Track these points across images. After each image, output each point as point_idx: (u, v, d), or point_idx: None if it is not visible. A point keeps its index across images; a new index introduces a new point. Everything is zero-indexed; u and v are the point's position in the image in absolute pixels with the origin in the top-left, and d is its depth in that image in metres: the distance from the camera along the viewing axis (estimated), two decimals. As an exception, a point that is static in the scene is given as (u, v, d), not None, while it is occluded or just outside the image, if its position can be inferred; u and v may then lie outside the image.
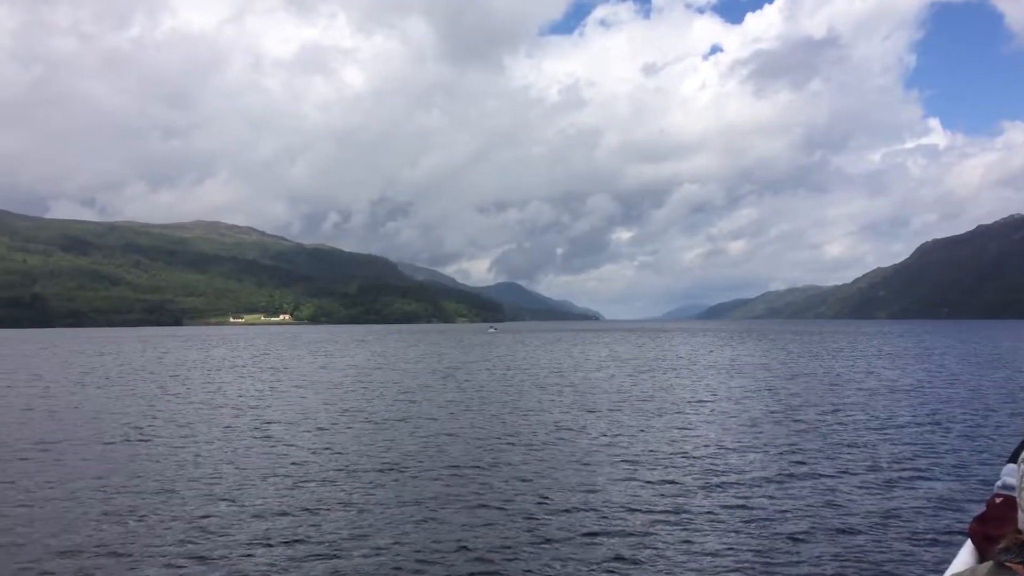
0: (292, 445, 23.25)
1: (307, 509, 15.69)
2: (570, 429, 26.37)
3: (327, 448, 22.68)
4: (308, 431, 26.24)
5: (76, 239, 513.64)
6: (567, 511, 15.52)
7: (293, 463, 20.43)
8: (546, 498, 16.55)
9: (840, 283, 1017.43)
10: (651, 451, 22.16)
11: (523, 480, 18.32)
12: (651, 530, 14.25)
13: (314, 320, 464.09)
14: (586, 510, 15.60)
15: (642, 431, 26.06)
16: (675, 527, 14.45)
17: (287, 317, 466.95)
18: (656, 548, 13.26)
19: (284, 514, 15.31)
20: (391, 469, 19.59)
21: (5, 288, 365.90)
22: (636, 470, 19.49)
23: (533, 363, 65.60)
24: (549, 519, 14.95)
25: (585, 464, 20.30)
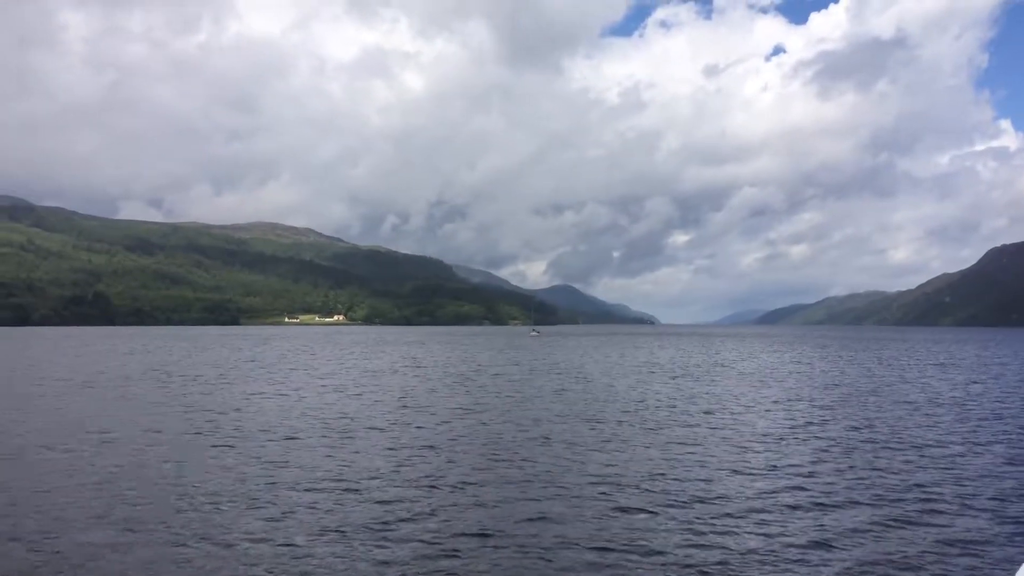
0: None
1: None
2: (551, 440, 24.38)
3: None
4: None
5: (140, 239, 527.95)
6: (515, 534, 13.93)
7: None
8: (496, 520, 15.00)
9: (904, 289, 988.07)
10: (638, 469, 20.02)
11: (479, 504, 16.70)
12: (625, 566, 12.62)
13: (368, 321, 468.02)
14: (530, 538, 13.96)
15: (638, 445, 23.89)
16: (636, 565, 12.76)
17: (341, 318, 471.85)
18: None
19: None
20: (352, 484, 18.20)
21: (70, 286, 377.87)
22: (610, 492, 17.50)
23: (558, 368, 63.69)
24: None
25: (552, 484, 18.35)
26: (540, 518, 15.48)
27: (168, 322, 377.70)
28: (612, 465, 20.78)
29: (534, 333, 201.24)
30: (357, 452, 22.50)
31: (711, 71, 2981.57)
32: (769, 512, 16.05)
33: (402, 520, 15.27)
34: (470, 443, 24.28)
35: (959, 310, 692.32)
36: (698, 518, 15.53)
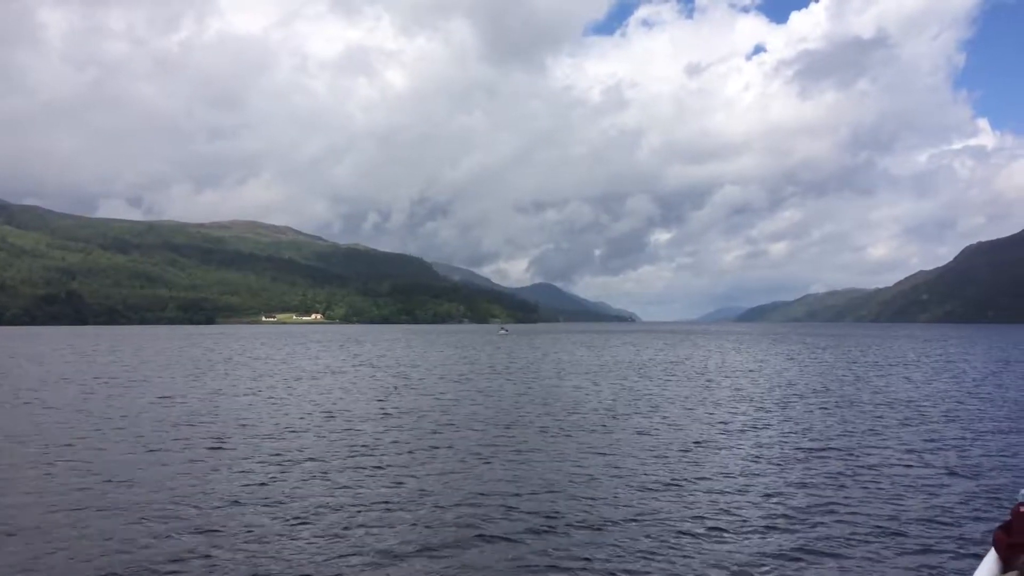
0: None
1: None
2: (452, 449, 22.11)
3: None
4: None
5: (116, 238, 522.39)
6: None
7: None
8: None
9: (883, 286, 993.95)
10: (533, 483, 17.84)
11: (307, 532, 14.65)
12: None
13: (346, 320, 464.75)
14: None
15: (545, 456, 21.64)
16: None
17: (319, 316, 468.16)
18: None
19: None
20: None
21: (43, 285, 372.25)
22: (486, 515, 15.34)
23: (508, 367, 61.59)
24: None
25: (423, 506, 16.11)
26: (376, 553, 13.33)
27: (142, 321, 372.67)
28: (501, 480, 18.56)
29: (503, 331, 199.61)
30: (225, 465, 20.36)
31: (693, 70, 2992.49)
32: (659, 538, 14.01)
33: (193, 553, 12.96)
34: (357, 455, 21.88)
35: (936, 307, 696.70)
36: (574, 548, 13.42)
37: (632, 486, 18.08)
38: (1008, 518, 2.90)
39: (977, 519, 15.03)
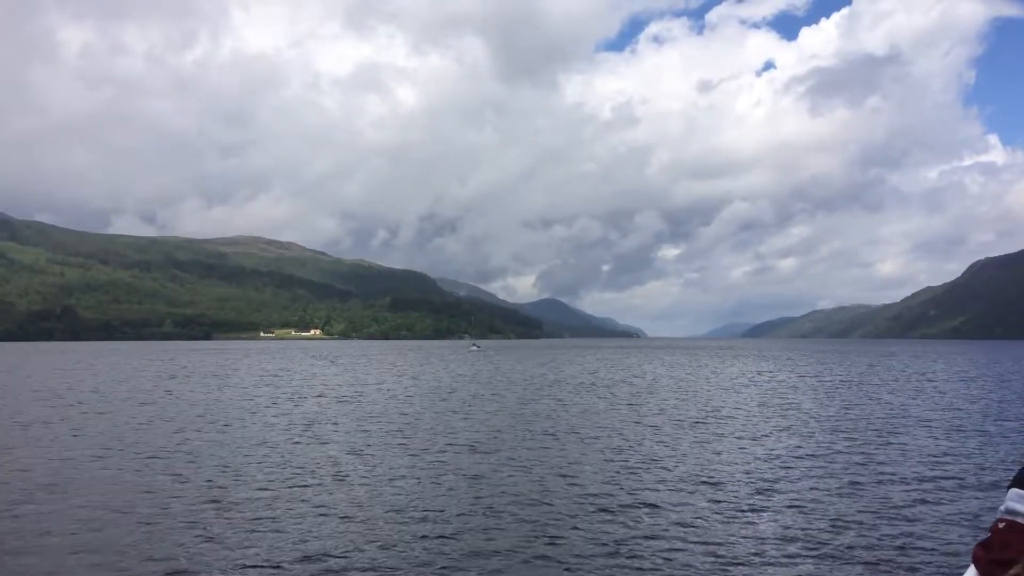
0: None
1: None
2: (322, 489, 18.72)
3: None
4: None
5: (117, 253, 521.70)
6: None
7: None
8: None
9: (890, 302, 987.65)
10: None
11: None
12: None
13: (345, 335, 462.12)
14: None
15: (410, 498, 18.33)
16: None
17: (317, 332, 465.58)
18: None
19: None
20: None
21: (39, 301, 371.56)
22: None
23: (451, 387, 58.05)
24: None
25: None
26: None
27: (138, 337, 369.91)
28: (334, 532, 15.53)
29: (474, 347, 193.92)
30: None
31: (704, 87, 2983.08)
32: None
33: None
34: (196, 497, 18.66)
35: (943, 323, 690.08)
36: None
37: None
38: (988, 534, 3.03)
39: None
